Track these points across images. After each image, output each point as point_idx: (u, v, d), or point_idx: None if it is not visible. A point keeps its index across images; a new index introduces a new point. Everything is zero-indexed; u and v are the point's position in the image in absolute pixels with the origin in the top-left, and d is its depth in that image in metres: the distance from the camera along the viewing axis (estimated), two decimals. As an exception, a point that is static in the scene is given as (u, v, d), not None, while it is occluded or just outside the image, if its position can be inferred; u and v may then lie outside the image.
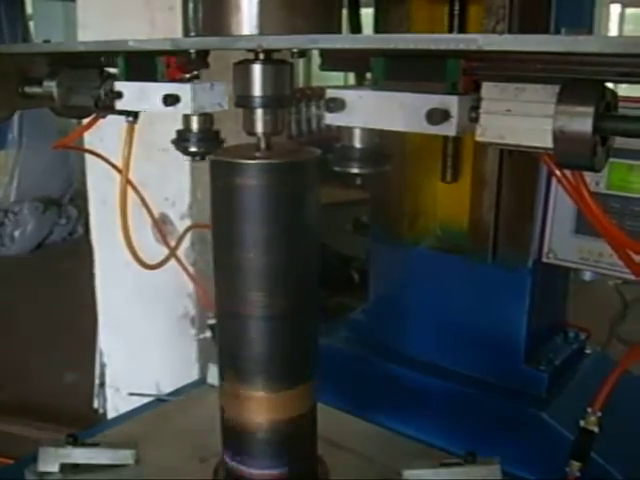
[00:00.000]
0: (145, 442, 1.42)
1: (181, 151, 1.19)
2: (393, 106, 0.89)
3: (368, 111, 0.92)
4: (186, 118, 1.16)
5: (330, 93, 0.94)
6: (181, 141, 1.18)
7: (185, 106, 1.09)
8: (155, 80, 1.12)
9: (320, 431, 1.45)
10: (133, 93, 1.15)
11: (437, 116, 0.84)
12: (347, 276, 3.73)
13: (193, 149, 1.17)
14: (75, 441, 1.34)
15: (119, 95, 1.16)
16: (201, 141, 1.17)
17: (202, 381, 1.76)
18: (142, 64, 1.13)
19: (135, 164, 1.34)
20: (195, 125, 1.16)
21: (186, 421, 1.54)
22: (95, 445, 1.36)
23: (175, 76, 1.12)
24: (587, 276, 1.50)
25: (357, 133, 0.98)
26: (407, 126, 0.89)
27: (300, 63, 6.57)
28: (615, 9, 9.13)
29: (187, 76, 1.13)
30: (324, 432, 1.46)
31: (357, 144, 0.98)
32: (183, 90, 1.09)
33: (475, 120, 0.85)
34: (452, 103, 0.84)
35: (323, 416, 1.53)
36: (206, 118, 1.16)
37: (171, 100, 1.09)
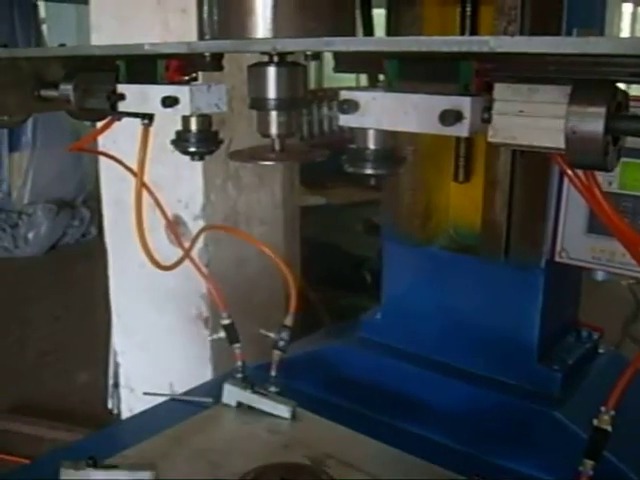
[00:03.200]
0: (163, 463, 1.43)
1: (180, 151, 1.21)
2: (406, 107, 0.90)
3: (382, 112, 0.93)
4: (185, 119, 1.19)
5: (344, 95, 0.95)
6: (180, 141, 1.21)
7: (183, 107, 1.12)
8: (155, 82, 1.15)
9: (334, 452, 1.46)
10: (134, 95, 1.17)
11: (450, 117, 0.84)
12: (359, 276, 3.75)
13: (192, 149, 1.20)
14: (95, 463, 1.36)
15: (122, 97, 1.18)
16: (200, 141, 1.19)
17: (216, 385, 1.77)
18: (143, 67, 1.15)
19: (148, 166, 1.36)
20: (194, 126, 1.19)
21: (202, 441, 1.55)
22: (114, 467, 1.38)
23: (174, 78, 1.15)
24: (600, 276, 1.50)
25: (371, 134, 0.99)
26: (420, 127, 0.89)
27: (312, 64, 6.56)
28: (627, 8, 9.09)
29: (186, 78, 1.16)
30: (338, 453, 1.47)
31: (371, 145, 0.99)
32: (181, 92, 1.11)
33: (487, 121, 0.85)
34: (465, 104, 0.85)
35: (335, 436, 1.55)
36: (204, 119, 1.19)
37: (170, 102, 1.11)
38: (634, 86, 0.97)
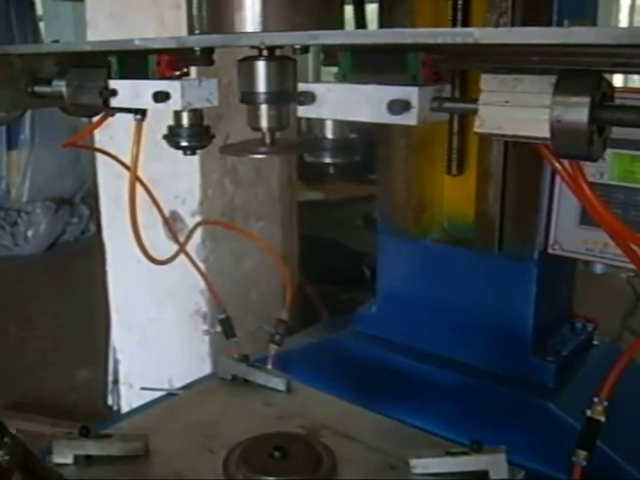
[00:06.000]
0: (156, 434, 1.44)
1: (172, 146, 1.22)
2: (359, 98, 0.93)
3: (336, 103, 0.95)
4: (177, 114, 1.20)
5: (301, 87, 0.98)
6: (172, 136, 1.21)
7: (175, 102, 1.12)
8: (147, 78, 1.15)
9: (329, 422, 1.47)
10: (126, 91, 1.18)
11: (397, 106, 0.87)
12: (357, 271, 3.75)
13: (184, 144, 1.21)
14: (87, 433, 1.36)
15: (114, 93, 1.18)
16: (192, 136, 1.20)
17: (213, 375, 1.78)
18: (134, 62, 1.16)
19: (145, 162, 1.36)
20: (185, 121, 1.19)
21: (196, 413, 1.56)
22: (107, 437, 1.38)
23: (166, 73, 1.15)
24: (598, 269, 1.50)
25: (328, 124, 1.02)
26: (372, 117, 0.92)
27: (310, 60, 6.58)
28: (625, 0, 9.07)
29: (177, 73, 1.16)
30: (333, 423, 1.48)
31: (329, 135, 1.02)
32: (173, 87, 1.12)
33: (437, 109, 0.89)
34: (412, 94, 0.87)
35: (332, 408, 1.55)
36: (196, 113, 1.19)
37: (161, 97, 1.12)
38: (636, 77, 0.97)
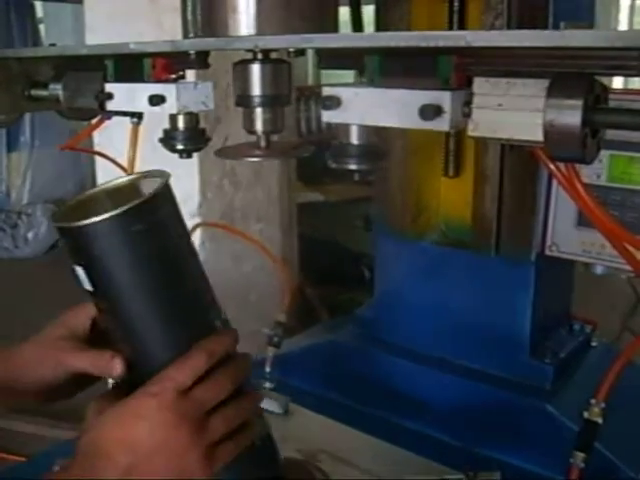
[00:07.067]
0: None
1: (168, 149, 1.22)
2: (387, 103, 0.90)
3: (363, 108, 0.93)
4: (172, 117, 1.20)
5: (326, 91, 0.96)
6: (168, 139, 1.21)
7: (170, 106, 1.13)
8: (142, 81, 1.16)
9: (325, 446, 1.47)
10: (122, 94, 1.18)
11: (430, 112, 0.85)
12: (357, 272, 3.75)
13: (180, 147, 1.21)
14: None
15: (110, 96, 1.19)
16: (187, 139, 1.20)
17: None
18: (130, 66, 1.17)
19: (144, 164, 1.37)
20: (181, 124, 1.19)
21: None
22: None
23: (161, 77, 1.16)
24: (599, 270, 1.50)
25: (354, 130, 0.99)
26: (401, 122, 0.90)
27: (309, 62, 6.58)
28: (625, 1, 9.06)
29: (173, 76, 1.16)
30: (329, 447, 1.48)
31: (354, 141, 1.00)
32: (168, 90, 1.12)
33: (468, 115, 0.86)
34: (444, 98, 0.85)
35: (328, 431, 1.56)
36: (192, 117, 1.20)
37: (157, 100, 1.12)
38: (635, 79, 0.97)
